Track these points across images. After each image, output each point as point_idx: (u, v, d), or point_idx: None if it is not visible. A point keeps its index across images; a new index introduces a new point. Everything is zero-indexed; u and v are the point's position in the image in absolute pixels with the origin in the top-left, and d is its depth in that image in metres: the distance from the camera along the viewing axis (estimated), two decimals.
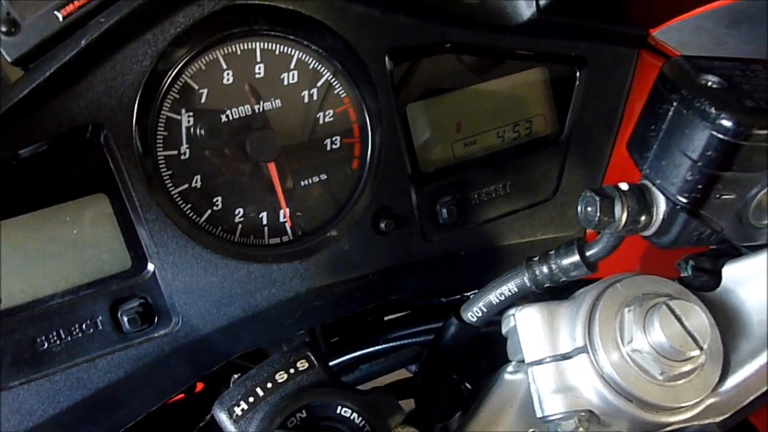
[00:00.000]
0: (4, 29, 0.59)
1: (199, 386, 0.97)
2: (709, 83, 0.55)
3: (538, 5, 0.76)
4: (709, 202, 0.55)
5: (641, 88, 0.87)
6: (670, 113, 0.55)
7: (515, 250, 0.85)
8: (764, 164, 0.52)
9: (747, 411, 0.62)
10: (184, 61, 0.68)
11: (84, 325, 0.69)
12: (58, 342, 0.68)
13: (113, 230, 0.69)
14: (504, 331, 0.69)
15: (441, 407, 0.82)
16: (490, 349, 0.81)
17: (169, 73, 0.68)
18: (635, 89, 0.87)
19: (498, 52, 0.81)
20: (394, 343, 0.93)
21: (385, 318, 1.01)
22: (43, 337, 0.68)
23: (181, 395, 0.90)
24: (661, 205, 0.59)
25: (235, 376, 0.90)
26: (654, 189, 0.59)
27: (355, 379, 0.93)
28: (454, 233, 0.82)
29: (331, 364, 0.91)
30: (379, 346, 0.92)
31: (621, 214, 0.58)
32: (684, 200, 0.55)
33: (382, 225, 0.77)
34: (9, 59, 0.60)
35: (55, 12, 0.60)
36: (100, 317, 0.70)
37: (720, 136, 0.51)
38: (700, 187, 0.54)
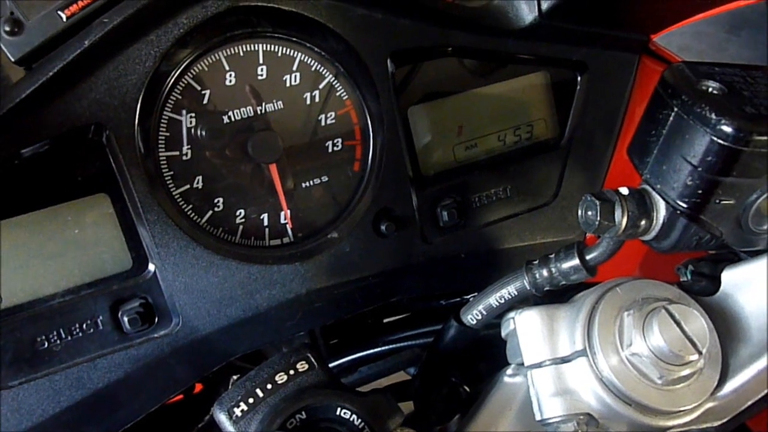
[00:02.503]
0: (7, 29, 0.59)
1: (198, 387, 0.97)
2: (710, 89, 0.55)
3: (540, 10, 0.76)
4: (709, 207, 0.55)
5: (642, 93, 0.87)
6: (671, 118, 0.56)
7: (515, 254, 0.85)
8: (763, 170, 0.53)
9: (745, 415, 0.63)
10: (187, 62, 0.69)
11: (84, 325, 0.69)
12: (58, 341, 0.68)
13: (114, 230, 0.69)
14: (504, 334, 0.69)
15: (440, 409, 0.82)
16: (489, 352, 0.82)
17: (172, 73, 0.68)
18: (636, 94, 0.87)
19: (499, 57, 0.81)
20: (394, 345, 0.94)
21: (385, 320, 1.01)
22: (44, 337, 0.68)
23: (180, 396, 0.90)
24: (661, 210, 0.59)
25: (235, 377, 0.90)
26: (654, 193, 0.59)
27: (354, 381, 0.93)
28: (454, 236, 0.82)
29: (330, 365, 0.91)
30: (379, 348, 0.93)
31: (621, 219, 0.58)
32: (684, 205, 0.56)
33: (383, 227, 0.77)
34: (12, 59, 0.61)
35: (59, 12, 0.61)
36: (101, 317, 0.70)
37: (720, 141, 0.52)
38: (700, 192, 0.54)
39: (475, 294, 0.73)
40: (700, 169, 0.53)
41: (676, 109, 0.55)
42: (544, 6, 0.76)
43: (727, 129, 0.51)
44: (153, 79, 0.66)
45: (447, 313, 0.76)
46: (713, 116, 0.52)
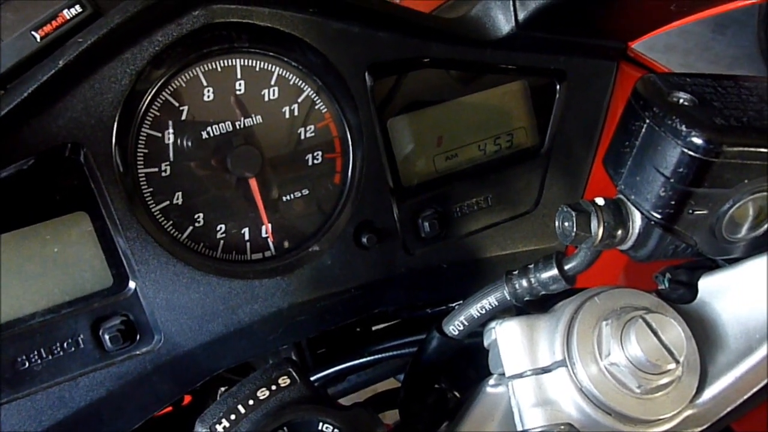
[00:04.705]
0: None
1: (187, 399, 0.97)
2: (681, 101, 0.55)
3: (516, 20, 0.76)
4: (683, 218, 0.55)
5: (621, 100, 0.87)
6: (643, 130, 0.56)
7: (497, 262, 0.86)
8: (735, 180, 0.53)
9: (725, 421, 0.63)
10: (164, 78, 0.69)
11: (65, 344, 0.69)
12: (39, 361, 0.68)
13: (94, 248, 0.69)
14: (486, 343, 0.69)
15: (426, 419, 0.82)
16: (477, 358, 0.82)
17: (149, 91, 0.68)
18: (615, 101, 0.87)
19: (477, 67, 0.81)
20: (380, 356, 0.94)
21: (374, 328, 1.01)
22: (24, 357, 0.67)
23: (169, 408, 0.90)
24: (637, 220, 0.60)
25: (222, 389, 0.89)
26: (629, 204, 0.59)
27: (344, 389, 0.93)
28: (436, 246, 0.82)
29: (317, 375, 0.91)
30: (365, 359, 0.93)
31: (597, 229, 0.59)
32: (658, 216, 0.56)
33: (364, 239, 0.77)
34: None
35: (33, 33, 0.60)
36: (82, 335, 0.69)
37: (691, 153, 0.52)
38: (673, 203, 0.55)
39: (460, 302, 0.73)
40: (672, 180, 0.54)
41: (648, 121, 0.55)
42: (521, 16, 0.76)
43: (698, 141, 0.51)
44: (129, 97, 0.66)
45: (434, 321, 0.77)
46: (684, 128, 0.52)
